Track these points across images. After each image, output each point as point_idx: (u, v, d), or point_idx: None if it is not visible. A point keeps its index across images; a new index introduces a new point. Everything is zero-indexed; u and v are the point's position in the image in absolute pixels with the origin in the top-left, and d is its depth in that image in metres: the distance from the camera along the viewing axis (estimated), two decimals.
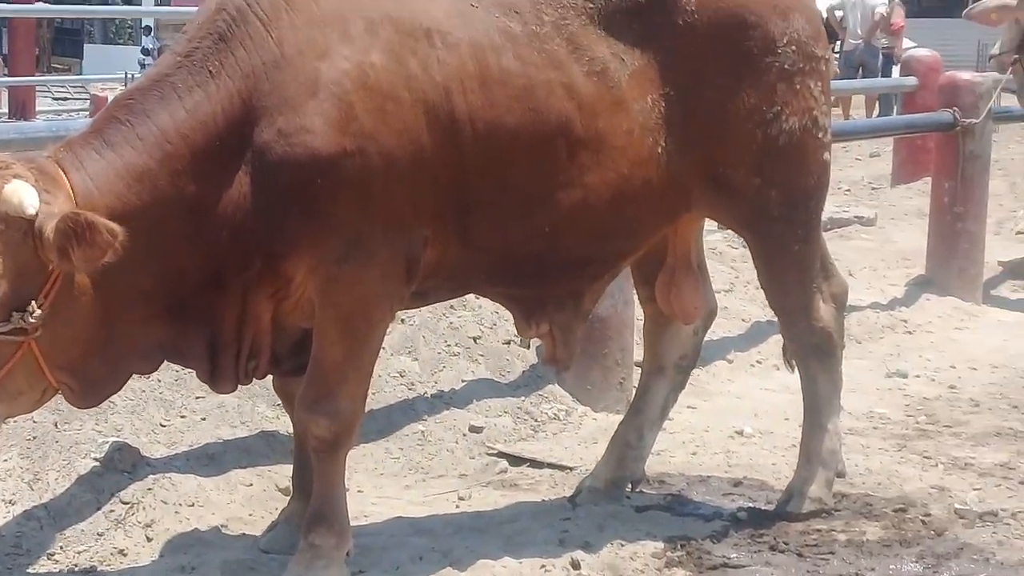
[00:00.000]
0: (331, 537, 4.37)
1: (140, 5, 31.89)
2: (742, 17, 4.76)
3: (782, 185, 4.93)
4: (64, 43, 38.55)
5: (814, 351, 5.17)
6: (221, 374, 4.43)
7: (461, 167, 4.35)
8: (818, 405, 5.22)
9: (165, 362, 4.53)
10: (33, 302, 3.86)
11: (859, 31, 18.24)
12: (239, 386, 4.62)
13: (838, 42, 18.13)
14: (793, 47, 4.82)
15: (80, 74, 28.55)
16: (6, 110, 18.11)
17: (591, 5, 4.59)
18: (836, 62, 17.94)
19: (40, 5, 20.22)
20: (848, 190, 11.44)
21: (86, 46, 35.76)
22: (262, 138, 4.09)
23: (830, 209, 10.87)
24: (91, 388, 4.27)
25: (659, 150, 4.63)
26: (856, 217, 10.23)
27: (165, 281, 4.17)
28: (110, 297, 4.08)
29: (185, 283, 4.20)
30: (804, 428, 5.29)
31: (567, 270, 4.81)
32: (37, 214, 3.80)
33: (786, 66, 4.82)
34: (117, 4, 37.57)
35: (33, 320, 3.86)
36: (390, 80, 4.19)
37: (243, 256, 4.19)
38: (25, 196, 3.75)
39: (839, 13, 18.20)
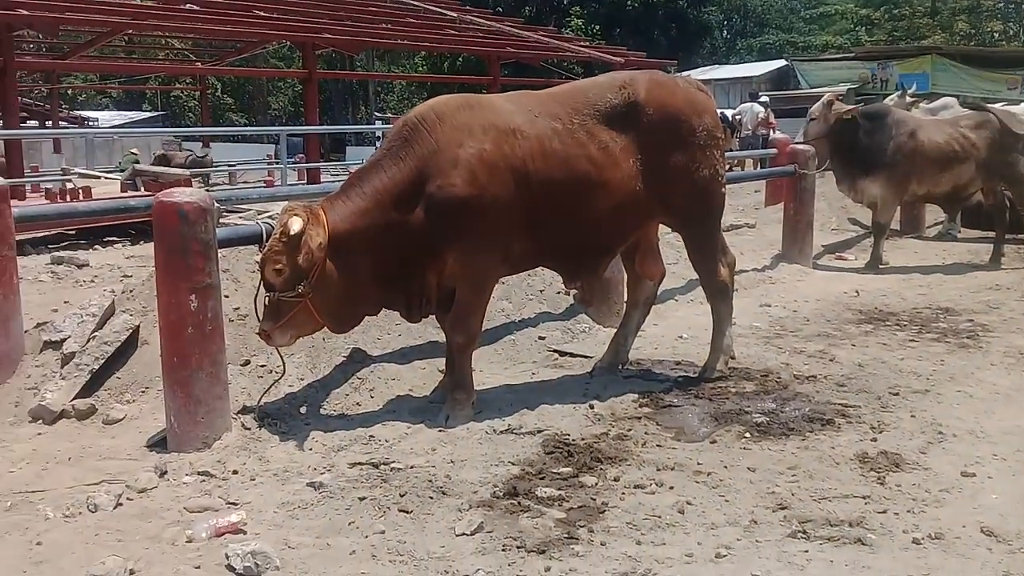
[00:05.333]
0: (464, 393, 5.04)
1: (373, 125, 32.98)
2: (677, 116, 5.28)
3: (700, 206, 5.48)
4: (336, 144, 41.71)
5: (718, 293, 5.76)
6: (412, 313, 5.10)
7: (532, 202, 4.91)
8: (720, 321, 5.80)
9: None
10: (306, 280, 4.65)
11: (749, 127, 19.36)
12: (421, 319, 5.30)
13: (738, 133, 19.60)
14: (705, 132, 5.34)
15: (343, 162, 29.57)
16: (305, 180, 19.05)
17: (597, 112, 5.12)
18: (736, 143, 19.28)
19: (313, 128, 21.34)
20: (742, 209, 11.90)
21: (348, 147, 38.01)
22: (430, 189, 4.73)
23: (731, 220, 10.96)
24: (342, 323, 5.00)
25: (637, 187, 5.16)
26: (746, 224, 10.88)
27: (380, 267, 4.82)
28: (350, 276, 4.75)
29: (391, 267, 4.85)
30: (713, 333, 5.84)
31: (590, 253, 5.35)
32: (301, 234, 4.57)
33: (700, 142, 5.33)
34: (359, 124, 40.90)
35: (307, 289, 4.64)
36: (495, 157, 4.80)
37: (421, 251, 4.83)
38: (293, 225, 4.54)
39: (738, 116, 19.66)
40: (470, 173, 4.78)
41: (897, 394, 5.50)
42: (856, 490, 4.11)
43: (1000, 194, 9.93)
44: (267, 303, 4.80)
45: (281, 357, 5.12)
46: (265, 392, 5.10)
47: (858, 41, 44.76)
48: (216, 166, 22.12)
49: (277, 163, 20.00)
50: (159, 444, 4.70)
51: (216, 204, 5.63)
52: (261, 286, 4.83)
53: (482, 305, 5.15)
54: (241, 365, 5.43)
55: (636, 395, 5.47)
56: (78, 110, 42.54)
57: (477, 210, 4.80)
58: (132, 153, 20.74)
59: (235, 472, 4.37)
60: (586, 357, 6.25)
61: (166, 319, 4.58)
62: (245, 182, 22.40)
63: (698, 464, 4.42)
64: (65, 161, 21.83)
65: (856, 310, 7.88)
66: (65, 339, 5.48)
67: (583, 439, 4.76)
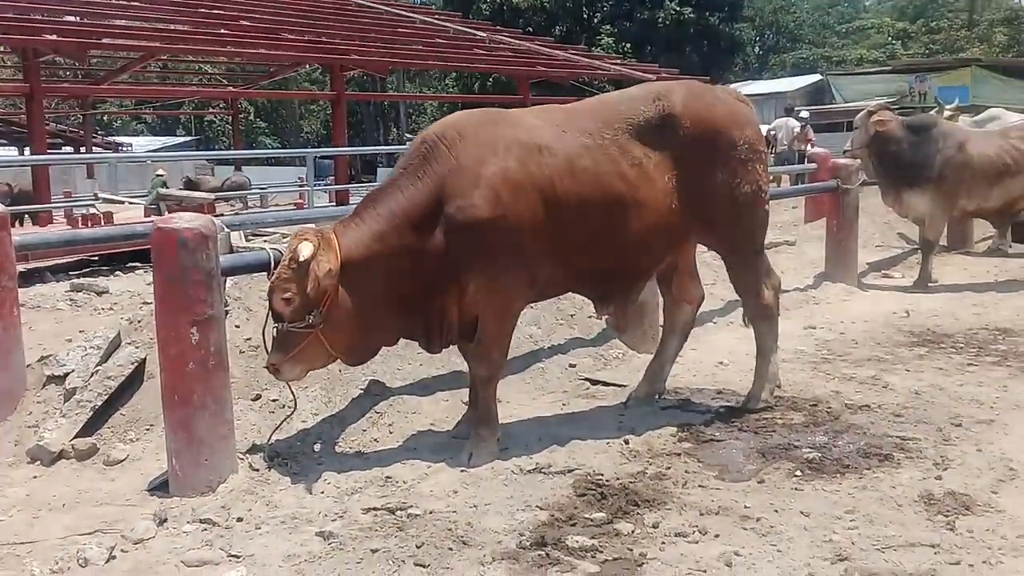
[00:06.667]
0: (488, 430, 4.71)
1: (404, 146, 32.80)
2: (716, 129, 4.93)
3: (741, 225, 5.13)
4: (367, 166, 41.71)
5: (761, 316, 5.39)
6: (432, 343, 4.75)
7: (560, 223, 4.57)
8: (764, 347, 5.41)
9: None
10: (316, 309, 4.33)
11: (784, 142, 18.94)
12: (442, 349, 4.92)
13: (774, 149, 19.16)
14: (746, 145, 5.01)
15: (374, 183, 29.06)
16: (334, 202, 19.08)
17: (630, 126, 4.79)
18: (771, 158, 19.04)
19: (341, 149, 21.43)
20: (781, 227, 11.61)
21: (379, 169, 37.27)
22: (449, 211, 4.40)
23: (770, 237, 10.90)
24: (356, 355, 4.69)
25: (672, 206, 4.83)
26: (785, 241, 10.38)
27: (397, 293, 4.50)
28: (364, 305, 4.43)
29: (409, 294, 4.52)
30: (757, 360, 5.44)
31: (622, 277, 5.01)
32: (310, 260, 4.27)
33: (742, 156, 4.99)
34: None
35: (317, 319, 4.32)
36: (519, 176, 4.48)
37: (441, 277, 4.51)
38: (303, 251, 4.23)
39: (773, 132, 19.36)
40: (493, 193, 4.46)
41: (959, 425, 5.08)
42: (923, 537, 3.70)
43: None
44: (276, 335, 4.48)
45: (292, 392, 4.80)
46: (275, 429, 4.79)
47: (894, 55, 44.17)
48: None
49: (306, 185, 19.80)
50: (161, 487, 4.39)
51: (227, 229, 5.37)
52: (269, 316, 4.51)
53: (507, 334, 4.81)
54: (252, 400, 5.13)
55: (675, 428, 5.12)
56: (113, 135, 42.84)
57: (500, 233, 4.48)
58: (158, 176, 20.68)
59: (239, 519, 4.05)
60: (620, 386, 5.94)
61: (166, 354, 4.28)
62: (277, 205, 22.25)
63: (745, 508, 4.03)
64: (98, 186, 21.74)
65: (907, 332, 7.44)
66: (68, 373, 5.23)
67: (618, 479, 4.38)
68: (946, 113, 10.96)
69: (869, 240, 11.30)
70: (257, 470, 4.50)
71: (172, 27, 19.32)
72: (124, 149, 35.05)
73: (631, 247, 4.88)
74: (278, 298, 4.38)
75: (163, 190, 12.97)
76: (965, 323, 7.69)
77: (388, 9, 26.29)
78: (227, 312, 5.57)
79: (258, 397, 5.15)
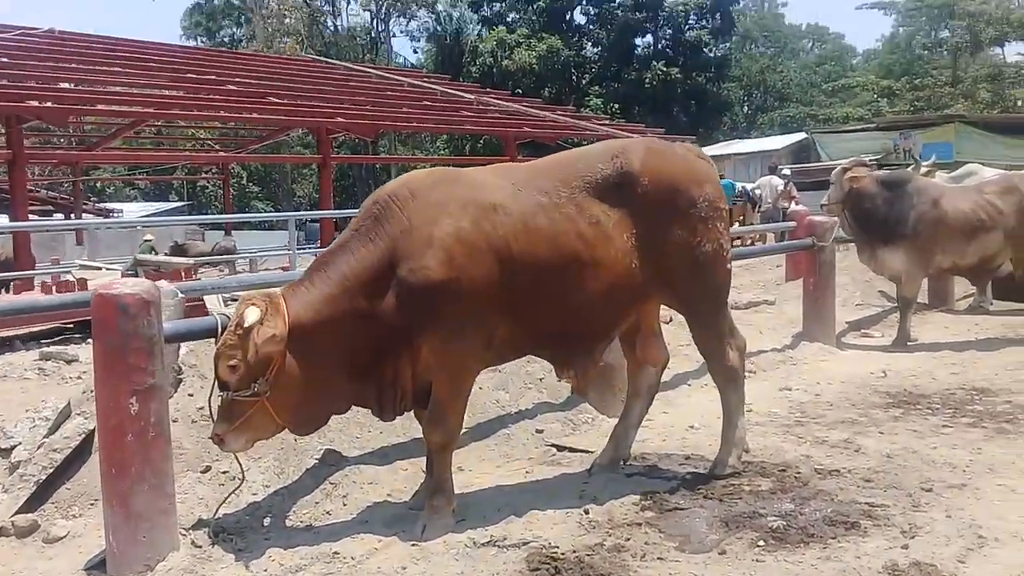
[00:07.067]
0: (443, 499, 4.52)
1: None
2: (675, 187, 4.82)
3: (702, 284, 4.98)
4: None
5: (727, 380, 5.22)
6: (385, 410, 4.59)
7: (516, 284, 4.43)
8: (731, 411, 5.24)
9: None
10: (262, 378, 4.18)
11: (769, 200, 19.21)
12: (395, 416, 4.72)
13: (759, 207, 19.73)
14: (706, 203, 4.88)
15: None
16: None
17: (587, 185, 4.69)
18: (757, 217, 19.37)
19: (325, 212, 21.12)
20: (764, 286, 11.59)
21: None
22: (401, 273, 4.28)
23: (750, 296, 10.81)
24: (304, 425, 4.54)
25: (632, 266, 4.71)
26: (765, 300, 10.35)
27: (348, 359, 4.36)
28: (312, 372, 4.28)
29: (361, 359, 4.38)
30: (723, 424, 5.28)
31: (581, 339, 4.84)
32: (255, 326, 4.11)
33: (702, 214, 4.87)
34: None
35: (263, 387, 4.17)
36: (473, 236, 4.35)
37: (393, 341, 4.37)
38: (249, 316, 4.10)
39: (758, 191, 19.59)
40: (446, 254, 4.35)
41: (930, 490, 4.91)
42: None
43: None
44: (221, 403, 4.32)
45: (240, 464, 4.64)
46: (222, 503, 4.61)
47: (879, 112, 44.55)
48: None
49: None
50: (99, 566, 4.20)
51: (181, 294, 5.25)
52: (215, 385, 4.34)
53: (462, 399, 4.64)
54: (201, 472, 4.98)
55: (638, 496, 4.91)
56: (105, 202, 42.87)
57: (454, 294, 4.35)
58: (146, 241, 20.61)
59: None
60: (587, 452, 5.74)
61: (104, 424, 4.13)
62: (267, 269, 22.10)
63: None
64: (86, 253, 21.64)
65: (884, 392, 7.28)
66: (15, 446, 5.05)
67: (574, 551, 4.19)
68: (923, 169, 10.89)
69: (849, 298, 11.30)
70: (200, 547, 4.30)
71: (161, 93, 19.38)
72: (115, 215, 34.97)
73: (589, 307, 4.74)
74: (223, 365, 4.23)
75: (141, 256, 12.84)
76: (942, 383, 7.55)
77: (376, 73, 26.53)
78: (180, 380, 5.46)
79: (208, 469, 4.98)
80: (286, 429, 4.52)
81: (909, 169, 10.70)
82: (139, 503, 4.09)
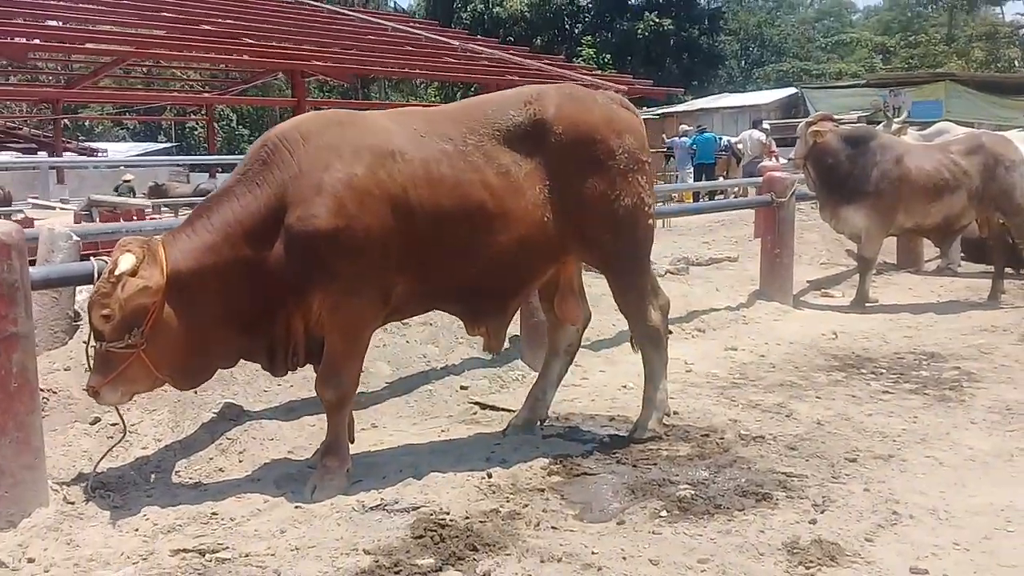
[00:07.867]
0: (336, 460, 4.30)
1: None
2: (592, 136, 4.56)
3: (622, 240, 4.71)
4: None
5: (648, 340, 4.99)
6: (276, 366, 4.38)
7: (415, 235, 4.21)
8: (653, 373, 5.02)
9: None
10: (137, 328, 3.94)
11: (749, 153, 19.06)
12: (287, 372, 4.51)
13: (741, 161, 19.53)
14: (626, 155, 4.62)
15: None
16: None
17: (497, 132, 4.43)
18: (740, 171, 19.24)
19: None
20: (736, 242, 11.36)
21: None
22: (289, 221, 4.04)
23: (713, 253, 10.66)
24: (186, 378, 4.27)
25: (545, 219, 4.46)
26: (727, 257, 10.16)
27: (234, 309, 4.13)
28: (192, 322, 4.05)
29: (247, 311, 4.15)
30: (644, 387, 5.04)
31: (491, 295, 4.60)
32: (128, 273, 3.87)
33: (621, 166, 4.60)
34: None
35: (138, 338, 3.94)
36: (367, 183, 4.10)
37: (283, 292, 4.13)
38: (123, 262, 3.88)
39: (739, 144, 19.34)
40: (336, 202, 4.07)
41: (854, 460, 4.65)
42: None
43: (997, 226, 8.97)
44: (95, 354, 4.06)
45: (121, 417, 4.37)
46: (102, 457, 4.35)
47: (873, 69, 43.93)
48: None
49: None
50: None
51: (76, 237, 4.96)
52: (91, 335, 4.07)
53: (357, 355, 4.38)
54: (89, 424, 4.72)
55: (548, 460, 4.66)
56: (95, 141, 42.27)
57: (345, 245, 4.09)
58: (125, 182, 20.24)
59: (31, 560, 3.64)
60: (509, 411, 5.47)
61: None
62: None
63: (592, 554, 3.60)
64: (69, 192, 21.26)
65: (830, 355, 7.02)
66: None
67: (466, 518, 3.94)
68: (893, 126, 10.54)
69: (816, 257, 10.99)
70: (72, 503, 4.07)
71: (137, 33, 18.97)
72: (100, 154, 34.42)
73: (499, 263, 4.48)
74: (96, 314, 3.98)
75: (95, 196, 12.50)
76: (893, 346, 7.30)
77: (359, 16, 25.90)
78: (77, 326, 5.17)
79: (96, 420, 4.72)
80: (167, 383, 4.25)
81: (880, 126, 10.35)
82: (1, 458, 3.82)
